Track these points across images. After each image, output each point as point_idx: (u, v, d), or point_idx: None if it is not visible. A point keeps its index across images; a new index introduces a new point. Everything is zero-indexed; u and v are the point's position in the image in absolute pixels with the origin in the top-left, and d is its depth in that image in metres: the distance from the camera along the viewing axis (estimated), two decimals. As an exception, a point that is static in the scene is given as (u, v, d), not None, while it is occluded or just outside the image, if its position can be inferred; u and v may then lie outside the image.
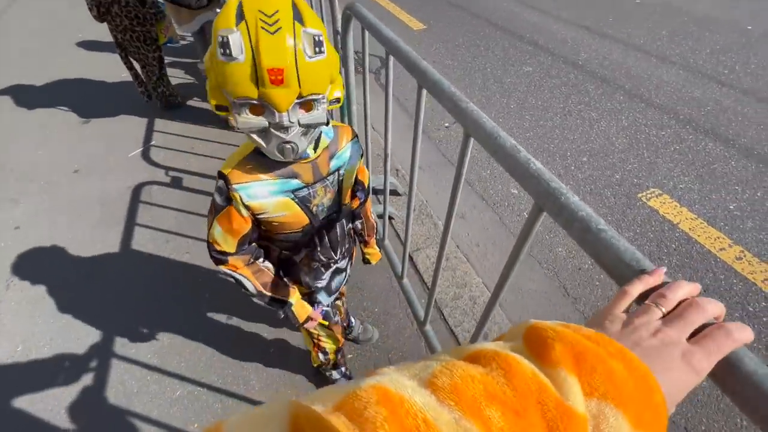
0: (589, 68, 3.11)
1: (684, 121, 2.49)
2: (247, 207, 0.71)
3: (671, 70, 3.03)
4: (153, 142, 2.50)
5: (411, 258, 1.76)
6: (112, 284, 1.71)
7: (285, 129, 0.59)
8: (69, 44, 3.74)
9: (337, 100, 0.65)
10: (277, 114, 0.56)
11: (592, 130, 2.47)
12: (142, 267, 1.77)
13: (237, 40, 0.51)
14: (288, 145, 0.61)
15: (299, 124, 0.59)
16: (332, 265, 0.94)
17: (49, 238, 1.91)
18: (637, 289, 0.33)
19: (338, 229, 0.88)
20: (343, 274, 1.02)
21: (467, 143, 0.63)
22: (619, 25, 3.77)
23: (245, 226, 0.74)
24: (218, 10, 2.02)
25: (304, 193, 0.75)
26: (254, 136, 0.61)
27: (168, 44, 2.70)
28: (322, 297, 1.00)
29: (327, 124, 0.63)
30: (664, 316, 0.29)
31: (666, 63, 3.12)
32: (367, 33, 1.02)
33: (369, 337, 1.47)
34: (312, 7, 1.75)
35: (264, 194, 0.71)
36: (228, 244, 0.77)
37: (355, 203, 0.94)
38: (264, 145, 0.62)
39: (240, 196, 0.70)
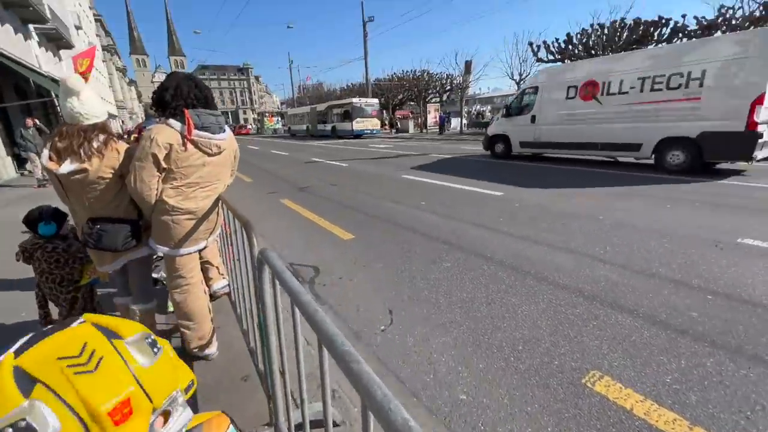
0: (497, 259, 3.59)
1: (590, 298, 2.79)
2: None
3: (560, 254, 3.62)
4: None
5: None
6: None
7: None
8: (-32, 286, 3.43)
9: (192, 383, 0.56)
10: None
11: (517, 316, 2.61)
12: None
13: (43, 414, 0.37)
14: None
15: None
16: None
17: None
18: None
19: None
20: None
21: (366, 414, 0.55)
22: (508, 223, 4.68)
23: None
24: (144, 249, 2.10)
25: None
26: None
27: (93, 284, 2.59)
28: None
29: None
30: None
31: (554, 249, 3.75)
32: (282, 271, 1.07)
33: None
34: (234, 245, 1.90)
35: None
36: None
37: None
38: None
39: None
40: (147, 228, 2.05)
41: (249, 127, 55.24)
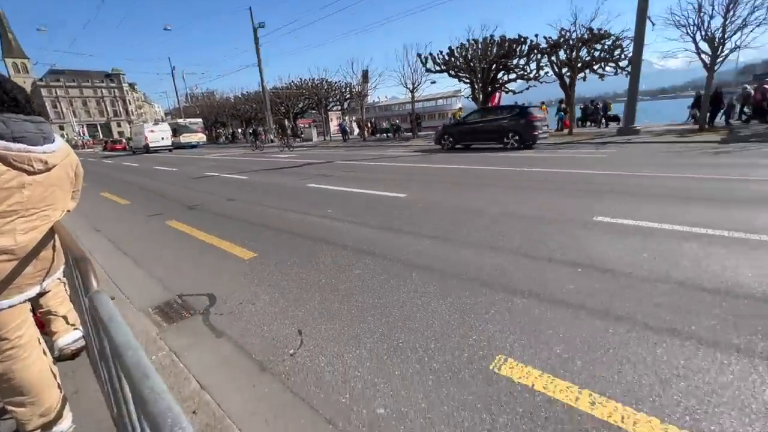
0: (404, 258, 3.64)
1: (482, 283, 2.98)
2: None
3: (464, 249, 3.84)
4: None
5: None
6: None
7: None
8: None
9: None
10: None
11: (427, 314, 2.64)
12: None
13: None
14: None
15: None
16: None
17: None
18: None
19: None
20: None
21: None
22: (402, 221, 4.82)
23: None
24: None
25: None
26: None
27: None
28: None
29: None
30: None
31: (458, 245, 3.97)
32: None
33: None
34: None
35: None
36: None
37: None
38: None
39: None
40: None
41: (124, 141, 47.39)
